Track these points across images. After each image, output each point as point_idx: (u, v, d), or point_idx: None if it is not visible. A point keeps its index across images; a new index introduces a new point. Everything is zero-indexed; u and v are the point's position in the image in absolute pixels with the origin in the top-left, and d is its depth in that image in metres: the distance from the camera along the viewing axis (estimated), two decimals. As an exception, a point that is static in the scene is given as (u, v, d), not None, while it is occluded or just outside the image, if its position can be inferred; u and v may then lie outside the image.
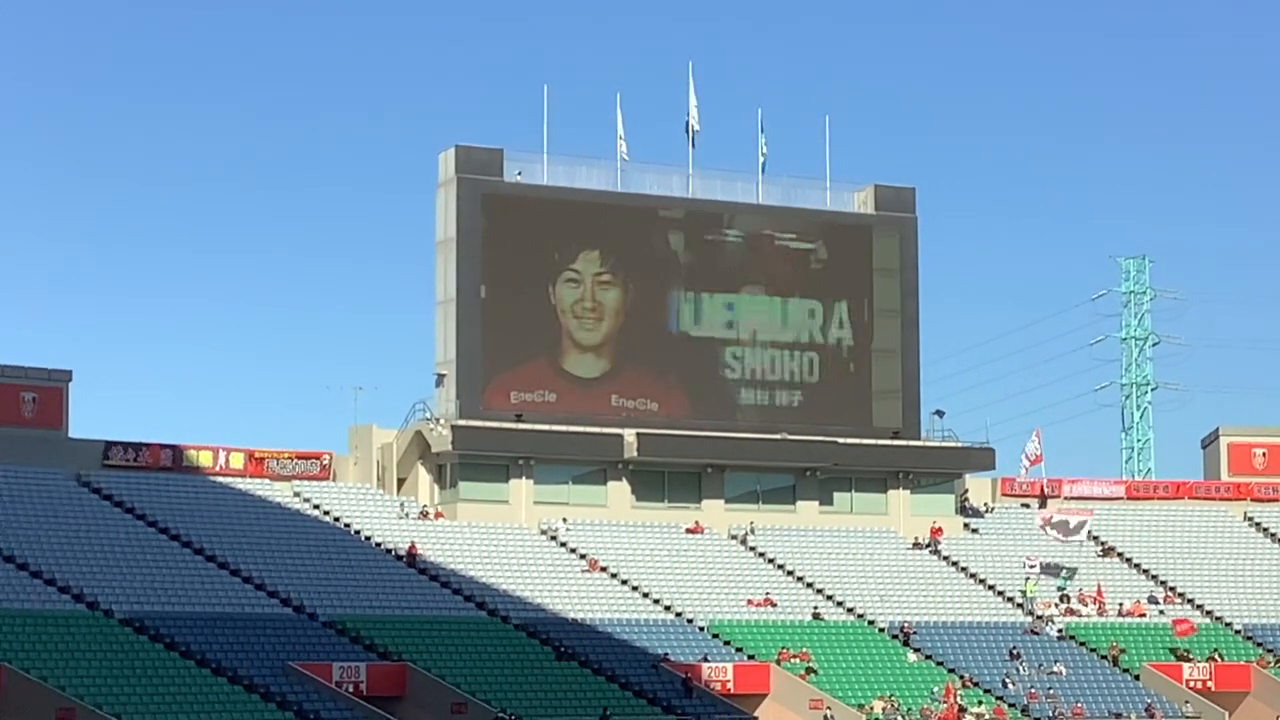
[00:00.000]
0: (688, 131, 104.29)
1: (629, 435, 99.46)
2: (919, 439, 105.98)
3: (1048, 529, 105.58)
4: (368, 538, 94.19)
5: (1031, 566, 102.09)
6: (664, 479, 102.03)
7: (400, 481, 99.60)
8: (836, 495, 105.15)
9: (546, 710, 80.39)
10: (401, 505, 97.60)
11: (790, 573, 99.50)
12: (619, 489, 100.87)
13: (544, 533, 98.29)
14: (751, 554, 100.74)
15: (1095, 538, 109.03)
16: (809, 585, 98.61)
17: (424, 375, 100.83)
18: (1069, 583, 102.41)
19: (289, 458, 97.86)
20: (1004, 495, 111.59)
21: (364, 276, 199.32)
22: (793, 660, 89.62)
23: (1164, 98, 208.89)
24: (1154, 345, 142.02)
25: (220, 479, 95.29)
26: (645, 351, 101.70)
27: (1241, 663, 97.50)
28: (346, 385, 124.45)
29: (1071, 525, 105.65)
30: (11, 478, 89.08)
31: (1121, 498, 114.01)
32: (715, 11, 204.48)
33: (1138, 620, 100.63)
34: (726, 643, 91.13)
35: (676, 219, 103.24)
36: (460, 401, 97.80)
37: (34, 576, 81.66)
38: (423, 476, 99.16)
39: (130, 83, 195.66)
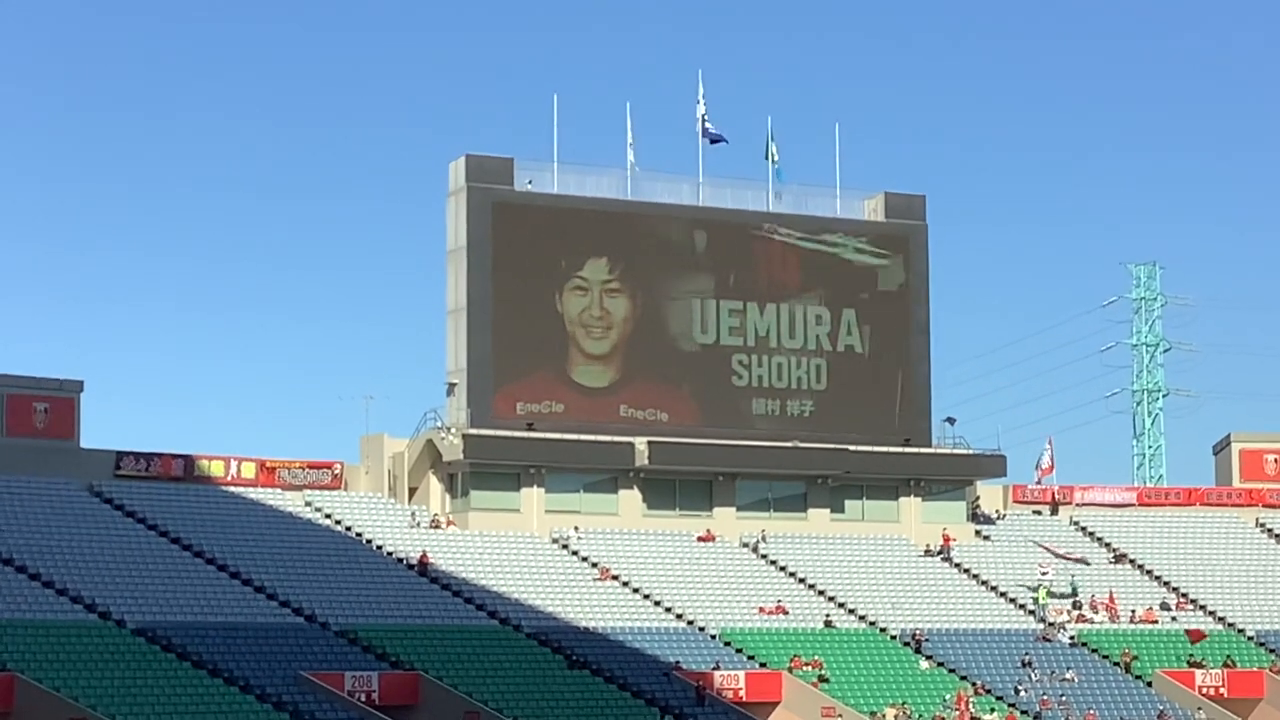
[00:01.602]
0: (699, 139, 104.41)
1: (640, 443, 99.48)
2: (930, 446, 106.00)
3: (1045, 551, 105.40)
4: (379, 547, 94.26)
5: (1044, 573, 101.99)
6: (675, 487, 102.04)
7: (411, 491, 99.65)
8: (848, 503, 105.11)
9: (558, 719, 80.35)
10: (413, 514, 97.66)
11: (802, 580, 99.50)
12: (630, 497, 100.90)
13: (555, 541, 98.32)
14: (763, 562, 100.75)
15: (1107, 544, 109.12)
16: (821, 593, 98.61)
17: (435, 384, 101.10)
18: (1079, 589, 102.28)
19: (300, 467, 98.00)
20: (1015, 502, 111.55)
21: (375, 286, 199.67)
22: (805, 668, 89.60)
23: (1174, 104, 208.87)
24: (1165, 351, 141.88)
25: (232, 489, 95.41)
26: (654, 361, 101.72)
27: (1254, 669, 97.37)
28: (357, 395, 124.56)
29: (1073, 555, 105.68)
30: (23, 488, 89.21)
31: (1133, 504, 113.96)
32: (725, 20, 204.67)
33: (1150, 627, 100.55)
34: (738, 650, 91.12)
35: (686, 227, 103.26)
36: (471, 410, 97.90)
37: (46, 586, 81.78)
38: (434, 485, 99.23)
39: (142, 92, 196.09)
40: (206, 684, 76.56)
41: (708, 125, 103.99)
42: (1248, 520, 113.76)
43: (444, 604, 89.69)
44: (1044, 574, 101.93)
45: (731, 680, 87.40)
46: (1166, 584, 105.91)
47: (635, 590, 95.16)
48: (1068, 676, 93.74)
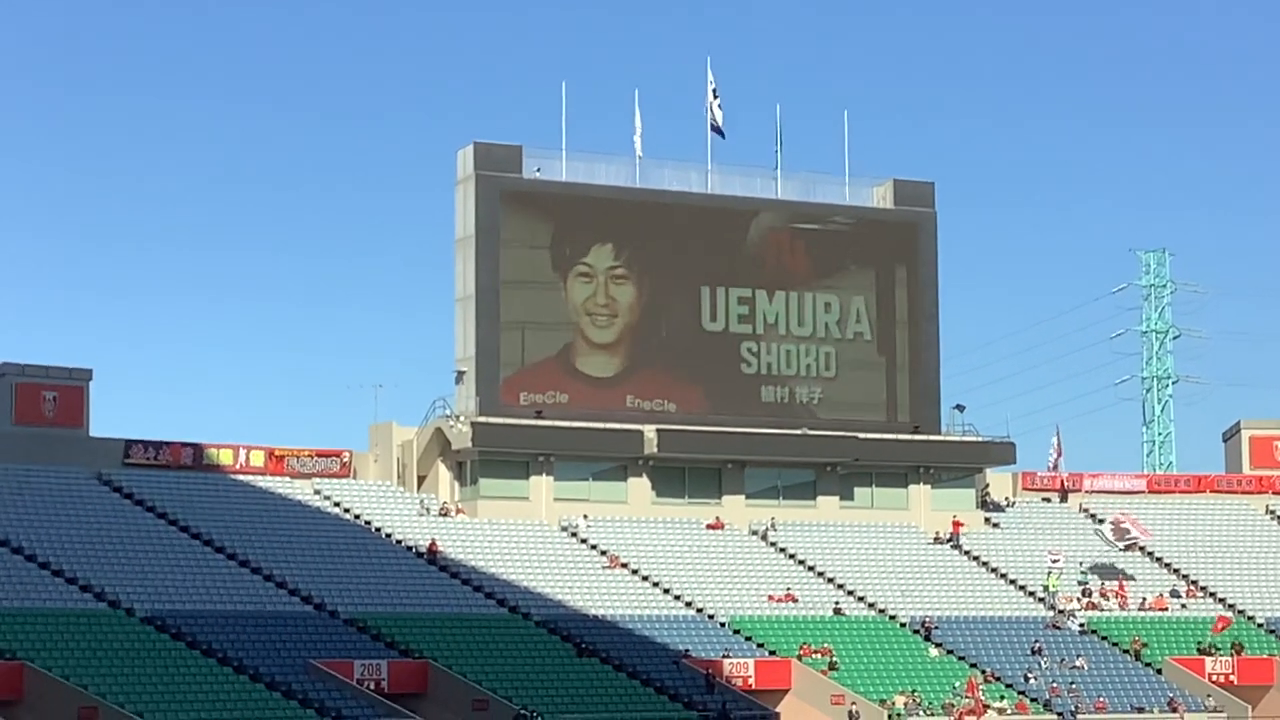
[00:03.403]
0: (707, 127, 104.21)
1: (649, 431, 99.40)
2: (939, 434, 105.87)
3: (1110, 530, 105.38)
4: (388, 535, 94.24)
5: (1055, 560, 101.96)
6: (684, 475, 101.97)
7: (420, 479, 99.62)
8: (857, 490, 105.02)
9: (568, 707, 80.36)
10: (422, 502, 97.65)
11: (811, 568, 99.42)
12: (639, 485, 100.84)
13: (564, 529, 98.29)
14: (772, 549, 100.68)
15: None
16: (830, 580, 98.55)
17: (444, 373, 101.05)
18: (1089, 577, 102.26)
19: (309, 455, 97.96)
20: (1025, 489, 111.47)
21: (383, 274, 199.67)
22: (814, 655, 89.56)
23: (1184, 90, 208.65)
24: (1175, 338, 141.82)
25: (241, 477, 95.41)
26: (661, 349, 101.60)
27: (1265, 656, 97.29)
28: (366, 383, 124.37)
29: (1131, 532, 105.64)
30: (33, 476, 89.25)
31: (1143, 491, 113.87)
32: (733, 8, 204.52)
33: (1160, 614, 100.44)
34: (748, 638, 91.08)
35: (695, 215, 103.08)
36: (480, 398, 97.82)
37: (55, 575, 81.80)
38: (443, 474, 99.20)
39: (150, 82, 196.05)
40: (215, 672, 76.56)
41: (716, 116, 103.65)
42: (1258, 507, 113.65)
43: (453, 592, 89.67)
44: (1054, 561, 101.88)
45: (741, 668, 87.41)
46: (1176, 571, 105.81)
47: (644, 578, 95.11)
48: (1078, 664, 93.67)
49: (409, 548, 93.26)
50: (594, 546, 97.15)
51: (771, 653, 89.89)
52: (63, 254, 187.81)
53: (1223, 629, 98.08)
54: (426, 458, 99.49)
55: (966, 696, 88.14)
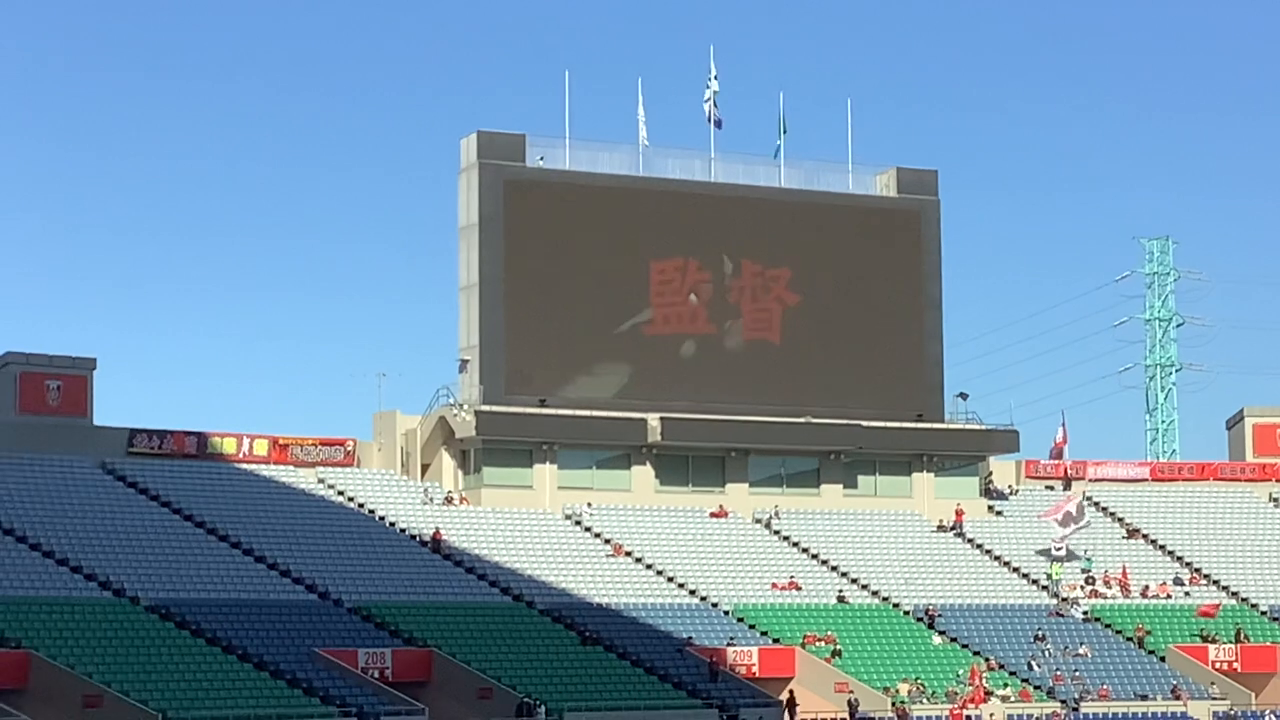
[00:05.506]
0: (709, 116, 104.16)
1: (653, 419, 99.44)
2: (943, 422, 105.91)
3: (1055, 524, 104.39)
4: (392, 524, 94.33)
5: (1058, 549, 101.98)
6: (688, 463, 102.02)
7: (424, 467, 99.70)
8: (860, 478, 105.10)
9: (571, 695, 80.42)
10: (425, 491, 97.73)
11: (815, 556, 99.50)
12: (643, 473, 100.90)
13: (568, 517, 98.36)
14: (776, 537, 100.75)
15: (1119, 519, 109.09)
16: (833, 568, 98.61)
17: (447, 361, 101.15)
18: (1092, 564, 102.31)
19: (313, 444, 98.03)
20: (1028, 477, 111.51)
21: (387, 263, 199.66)
22: (818, 643, 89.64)
23: (1188, 77, 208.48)
24: (1178, 326, 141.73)
25: (244, 466, 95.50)
26: (666, 337, 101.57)
27: (1268, 644, 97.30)
28: (370, 371, 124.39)
29: (1074, 512, 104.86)
30: (37, 466, 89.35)
31: (1146, 479, 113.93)
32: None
33: (1163, 602, 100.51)
34: (751, 626, 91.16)
35: (698, 203, 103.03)
36: (484, 387, 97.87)
37: (60, 564, 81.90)
38: (447, 462, 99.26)
39: (154, 70, 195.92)
40: (220, 661, 76.68)
41: (715, 111, 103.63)
42: (1261, 495, 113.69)
43: (457, 581, 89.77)
44: (1058, 549, 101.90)
45: (745, 656, 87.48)
46: (1179, 559, 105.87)
47: (648, 566, 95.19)
48: (1081, 651, 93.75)
49: (413, 536, 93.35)
50: (598, 535, 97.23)
51: (775, 641, 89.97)
52: (67, 243, 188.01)
53: (1213, 613, 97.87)
54: (430, 446, 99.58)
55: (970, 684, 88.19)
